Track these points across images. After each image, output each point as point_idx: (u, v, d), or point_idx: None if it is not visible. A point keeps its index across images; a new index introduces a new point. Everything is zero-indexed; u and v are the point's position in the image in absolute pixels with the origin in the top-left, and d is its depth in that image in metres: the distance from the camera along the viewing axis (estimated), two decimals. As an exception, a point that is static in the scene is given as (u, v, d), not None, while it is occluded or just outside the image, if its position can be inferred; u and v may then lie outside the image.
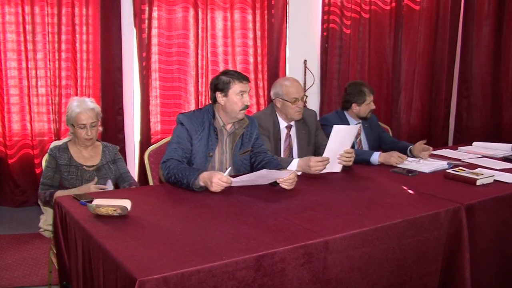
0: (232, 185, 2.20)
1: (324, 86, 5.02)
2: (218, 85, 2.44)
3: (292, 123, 2.95)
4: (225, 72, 2.48)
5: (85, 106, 2.54)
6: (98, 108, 2.61)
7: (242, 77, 2.45)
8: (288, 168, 2.52)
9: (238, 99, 2.42)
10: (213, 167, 2.51)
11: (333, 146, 2.56)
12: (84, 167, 2.57)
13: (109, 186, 2.52)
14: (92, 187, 2.40)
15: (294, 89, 2.83)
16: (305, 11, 4.88)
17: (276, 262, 1.57)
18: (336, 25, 4.97)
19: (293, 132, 2.94)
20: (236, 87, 2.42)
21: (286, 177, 2.21)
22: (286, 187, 2.22)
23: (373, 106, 3.28)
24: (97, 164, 2.61)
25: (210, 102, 2.55)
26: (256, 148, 2.61)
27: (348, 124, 3.25)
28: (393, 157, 2.89)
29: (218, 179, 2.13)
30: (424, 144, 3.13)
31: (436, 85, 5.56)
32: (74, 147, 2.61)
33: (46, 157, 2.62)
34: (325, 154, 2.54)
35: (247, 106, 2.46)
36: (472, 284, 2.08)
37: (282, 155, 2.90)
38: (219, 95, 2.45)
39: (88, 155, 2.62)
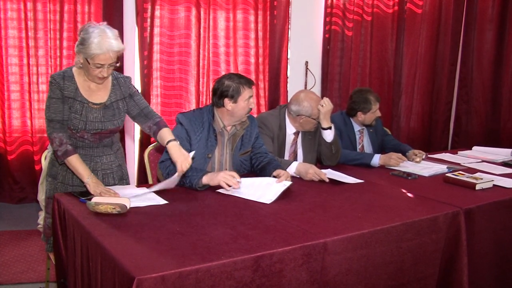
0: (239, 187, 2.21)
1: (325, 88, 5.01)
2: (227, 92, 2.42)
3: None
4: (230, 78, 2.46)
5: (108, 46, 2.05)
6: (122, 48, 2.11)
7: (250, 82, 2.48)
8: (287, 170, 2.52)
9: (246, 104, 2.45)
10: (212, 168, 2.50)
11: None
12: (90, 104, 2.19)
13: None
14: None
15: (317, 109, 2.82)
16: (307, 13, 4.87)
17: (274, 262, 1.57)
18: (338, 27, 4.97)
19: (299, 138, 2.94)
20: (245, 94, 2.44)
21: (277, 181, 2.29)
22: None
23: (378, 114, 3.25)
24: (105, 102, 2.23)
25: (211, 104, 2.55)
26: (257, 149, 2.61)
27: (352, 127, 3.25)
28: (392, 159, 2.92)
29: (223, 173, 2.22)
30: (423, 151, 3.18)
31: (437, 89, 5.55)
32: (80, 77, 2.19)
33: (49, 88, 2.16)
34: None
35: (251, 109, 2.51)
36: (469, 289, 2.09)
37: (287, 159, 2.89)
38: (227, 101, 2.42)
39: (96, 88, 2.22)
